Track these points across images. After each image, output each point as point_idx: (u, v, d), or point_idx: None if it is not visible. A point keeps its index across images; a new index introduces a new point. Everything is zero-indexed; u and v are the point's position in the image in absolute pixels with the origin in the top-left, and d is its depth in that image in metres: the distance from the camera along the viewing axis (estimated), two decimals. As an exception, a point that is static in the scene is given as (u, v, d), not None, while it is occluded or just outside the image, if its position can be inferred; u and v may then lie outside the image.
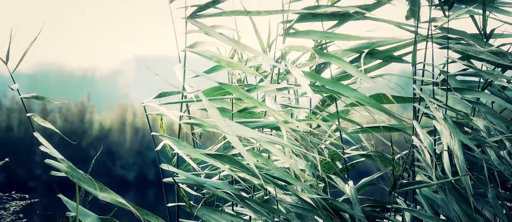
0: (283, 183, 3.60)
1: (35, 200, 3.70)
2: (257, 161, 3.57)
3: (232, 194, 3.63)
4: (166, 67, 3.82)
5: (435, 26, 3.94)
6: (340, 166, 4.20)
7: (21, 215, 3.65)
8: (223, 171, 3.79)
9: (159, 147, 3.79)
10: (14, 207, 3.62)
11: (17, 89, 3.80)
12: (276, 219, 3.61)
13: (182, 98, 3.84)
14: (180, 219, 3.76)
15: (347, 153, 4.17)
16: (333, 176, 3.99)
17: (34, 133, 3.66)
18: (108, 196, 3.25)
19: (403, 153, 3.98)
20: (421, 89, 3.85)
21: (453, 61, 3.98)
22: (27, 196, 3.68)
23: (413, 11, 3.97)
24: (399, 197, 3.96)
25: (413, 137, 3.71)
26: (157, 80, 3.91)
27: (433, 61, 3.93)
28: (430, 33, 3.90)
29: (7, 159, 4.11)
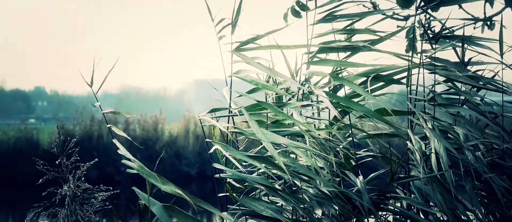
0: (306, 178, 3.68)
1: (117, 191, 3.83)
2: (286, 160, 3.64)
3: (267, 186, 3.75)
4: (219, 88, 3.93)
5: (425, 56, 4.03)
6: (352, 164, 4.26)
7: (107, 203, 3.78)
8: (260, 168, 3.88)
9: (211, 150, 3.92)
10: (101, 197, 3.77)
11: (99, 106, 3.94)
12: (301, 206, 3.70)
13: (229, 113, 3.97)
14: (228, 206, 3.84)
15: (358, 154, 4.26)
16: (346, 172, 4.07)
17: (113, 140, 3.81)
18: (168, 187, 3.33)
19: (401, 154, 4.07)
20: (414, 105, 3.93)
21: (439, 83, 4.04)
22: (111, 188, 3.81)
23: (411, 45, 4.07)
24: (398, 187, 4.05)
25: (408, 142, 3.81)
26: (212, 98, 4.04)
27: (423, 83, 3.98)
28: (421, 61, 3.98)
29: (96, 159, 4.23)
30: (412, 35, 4.05)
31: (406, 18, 4.22)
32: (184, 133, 37.36)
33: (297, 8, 4.40)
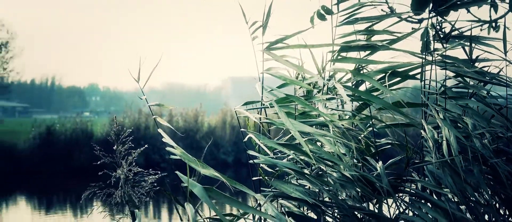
0: (330, 163, 3.69)
1: (165, 174, 3.87)
2: (312, 148, 3.66)
3: (295, 171, 3.78)
4: (252, 85, 3.96)
5: (437, 54, 4.04)
6: (372, 151, 4.28)
7: (155, 184, 3.83)
8: (289, 155, 3.93)
9: (245, 139, 3.96)
10: (150, 180, 3.82)
11: (145, 99, 4.00)
12: (326, 188, 3.73)
13: (261, 106, 4.01)
14: (261, 188, 3.86)
15: (377, 142, 4.28)
16: (367, 158, 4.09)
17: (158, 130, 3.87)
18: (207, 171, 3.37)
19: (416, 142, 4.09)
20: (427, 98, 3.95)
21: (450, 78, 4.06)
22: (159, 172, 3.86)
23: (424, 45, 4.08)
24: (413, 172, 4.06)
25: (422, 131, 3.83)
26: (246, 93, 4.09)
27: (436, 78, 4.00)
28: (433, 59, 4.00)
29: (146, 146, 4.29)
30: (426, 35, 4.05)
31: (419, 21, 4.23)
32: (221, 124, 37.57)
33: (323, 12, 4.41)
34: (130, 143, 3.90)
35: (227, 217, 3.55)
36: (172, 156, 3.53)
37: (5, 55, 41.52)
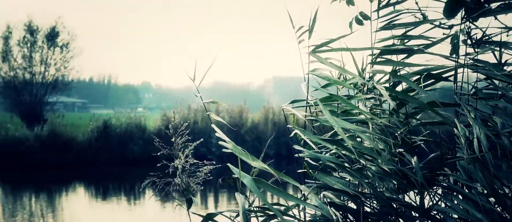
0: (370, 157, 3.73)
1: (219, 165, 3.92)
2: (353, 143, 3.68)
3: (337, 164, 3.80)
4: (293, 84, 4.01)
5: (469, 58, 4.04)
6: (408, 147, 4.28)
7: (209, 174, 3.87)
8: (331, 149, 3.96)
9: (292, 134, 3.99)
10: (205, 170, 3.87)
11: (200, 96, 4.04)
12: (365, 181, 3.75)
13: (306, 104, 4.04)
14: (305, 180, 3.90)
15: (413, 138, 4.29)
16: (403, 153, 4.10)
17: (212, 125, 3.92)
18: (256, 164, 3.41)
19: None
20: (459, 98, 3.95)
21: (480, 80, 4.04)
22: (214, 163, 3.90)
23: (455, 49, 4.08)
24: (446, 167, 4.05)
25: (454, 129, 3.82)
26: (287, 91, 4.13)
27: (468, 80, 4.00)
28: (465, 62, 4.00)
29: (201, 139, 4.34)
30: (456, 40, 4.05)
31: (450, 27, 4.23)
32: (264, 120, 37.63)
33: (360, 18, 4.43)
34: (187, 136, 3.95)
35: (275, 207, 3.57)
36: (224, 150, 3.58)
37: (66, 55, 41.96)
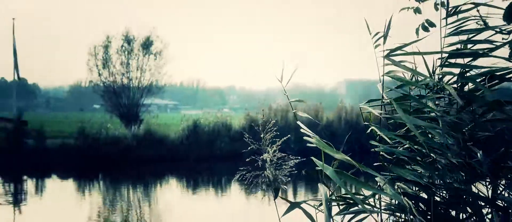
0: (440, 151, 3.74)
1: (303, 159, 3.97)
2: (425, 138, 3.71)
3: (410, 158, 3.82)
4: (365, 86, 4.05)
5: (530, 60, 4.00)
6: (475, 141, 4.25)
7: (293, 167, 3.92)
8: (405, 144, 3.98)
9: (368, 131, 4.03)
10: (290, 163, 3.93)
11: (287, 96, 4.11)
12: (436, 173, 3.75)
13: (381, 103, 4.06)
14: (381, 172, 3.89)
15: (480, 134, 4.25)
16: (470, 147, 4.07)
17: (297, 122, 3.97)
18: (339, 156, 3.47)
19: None
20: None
21: None
22: (299, 157, 3.95)
23: None
24: (510, 160, 4.01)
25: None
26: (358, 93, 4.16)
27: None
28: (528, 64, 3.98)
29: (289, 136, 4.39)
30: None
31: (509, 32, 4.19)
32: (337, 119, 37.46)
33: (427, 25, 4.43)
34: (275, 132, 4.02)
35: (355, 196, 3.61)
36: (308, 144, 3.63)
37: (159, 62, 42.58)
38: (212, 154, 33.43)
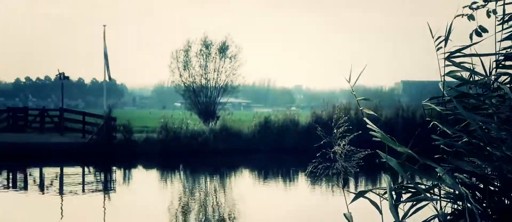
0: (495, 144, 3.68)
1: (371, 152, 3.98)
2: (482, 132, 3.69)
3: (468, 150, 3.80)
4: (421, 87, 4.06)
5: None
6: None
7: (361, 161, 3.95)
8: (463, 138, 3.96)
9: (430, 125, 4.02)
10: (359, 156, 3.95)
11: (354, 94, 4.14)
12: (491, 164, 3.73)
13: (442, 100, 4.05)
14: (441, 164, 3.86)
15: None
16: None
17: (364, 118, 4.00)
18: (401, 149, 3.49)
19: None
20: None
21: None
22: (368, 150, 3.98)
23: None
24: None
25: None
26: (413, 93, 4.16)
27: None
28: None
29: (360, 132, 4.39)
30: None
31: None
32: (395, 116, 37.05)
33: (480, 30, 4.40)
34: (346, 126, 4.05)
35: (418, 185, 3.62)
36: (373, 138, 3.66)
37: (234, 64, 42.99)
38: (281, 147, 33.52)
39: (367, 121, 3.82)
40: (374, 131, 3.68)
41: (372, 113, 3.96)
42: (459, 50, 3.96)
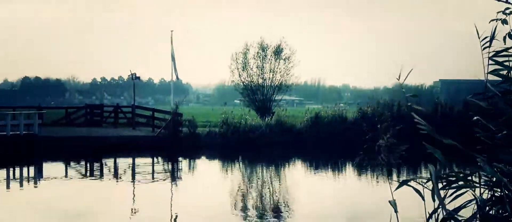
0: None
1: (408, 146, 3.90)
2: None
3: (508, 141, 3.68)
4: (460, 86, 3.93)
5: None
6: None
7: (404, 152, 3.87)
8: (504, 131, 3.82)
9: (474, 118, 3.91)
10: (402, 148, 3.87)
11: (403, 91, 4.06)
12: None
13: (486, 96, 3.93)
14: (482, 154, 3.77)
15: None
16: None
17: (411, 113, 3.90)
18: (448, 141, 3.40)
19: None
20: None
21: None
22: (408, 144, 3.90)
23: None
24: None
25: None
26: (451, 91, 4.03)
27: None
28: None
29: (401, 126, 4.30)
30: None
31: None
32: (434, 112, 36.29)
33: None
34: (389, 121, 3.97)
35: (460, 174, 3.53)
36: (421, 131, 3.58)
37: (288, 65, 42.97)
38: (330, 140, 33.29)
39: (415, 115, 3.73)
40: (421, 125, 3.59)
41: (420, 108, 3.86)
42: (505, 49, 3.83)
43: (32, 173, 22.84)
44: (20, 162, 24.40)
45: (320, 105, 52.95)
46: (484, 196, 3.69)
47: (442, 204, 3.23)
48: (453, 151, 3.56)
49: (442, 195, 3.57)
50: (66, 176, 21.91)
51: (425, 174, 19.68)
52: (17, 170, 23.03)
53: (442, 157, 3.27)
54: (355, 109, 38.44)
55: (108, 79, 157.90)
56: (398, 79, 3.91)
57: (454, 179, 3.60)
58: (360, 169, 21.94)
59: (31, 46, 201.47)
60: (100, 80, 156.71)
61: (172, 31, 38.38)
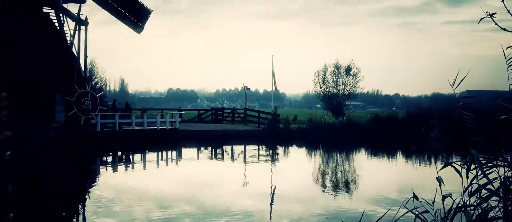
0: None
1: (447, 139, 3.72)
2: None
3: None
4: (480, 94, 3.63)
5: None
6: None
7: (448, 143, 3.70)
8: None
9: (502, 117, 3.64)
10: (444, 140, 3.70)
11: (455, 95, 3.87)
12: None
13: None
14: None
15: None
16: None
17: (462, 111, 3.74)
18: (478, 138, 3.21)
19: None
20: None
21: None
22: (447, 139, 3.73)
23: None
24: None
25: None
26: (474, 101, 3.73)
27: None
28: None
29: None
30: None
31: None
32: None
33: None
34: (435, 120, 3.82)
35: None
36: (467, 125, 3.39)
37: (355, 80, 42.60)
38: (386, 135, 32.28)
39: (465, 112, 3.51)
40: (470, 122, 3.39)
41: (467, 113, 3.63)
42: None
43: (174, 155, 23.77)
44: (166, 148, 25.48)
45: (379, 109, 51.54)
46: (507, 175, 3.48)
47: (482, 172, 3.05)
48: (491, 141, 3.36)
49: (476, 174, 3.40)
50: (198, 158, 22.65)
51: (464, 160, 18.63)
52: (164, 153, 24.03)
53: (482, 142, 3.10)
54: (405, 112, 37.09)
55: (227, 90, 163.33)
56: (452, 86, 3.61)
57: (485, 161, 3.40)
58: (414, 155, 21.32)
59: (173, 63, 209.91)
60: (221, 90, 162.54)
61: (272, 55, 38.81)
